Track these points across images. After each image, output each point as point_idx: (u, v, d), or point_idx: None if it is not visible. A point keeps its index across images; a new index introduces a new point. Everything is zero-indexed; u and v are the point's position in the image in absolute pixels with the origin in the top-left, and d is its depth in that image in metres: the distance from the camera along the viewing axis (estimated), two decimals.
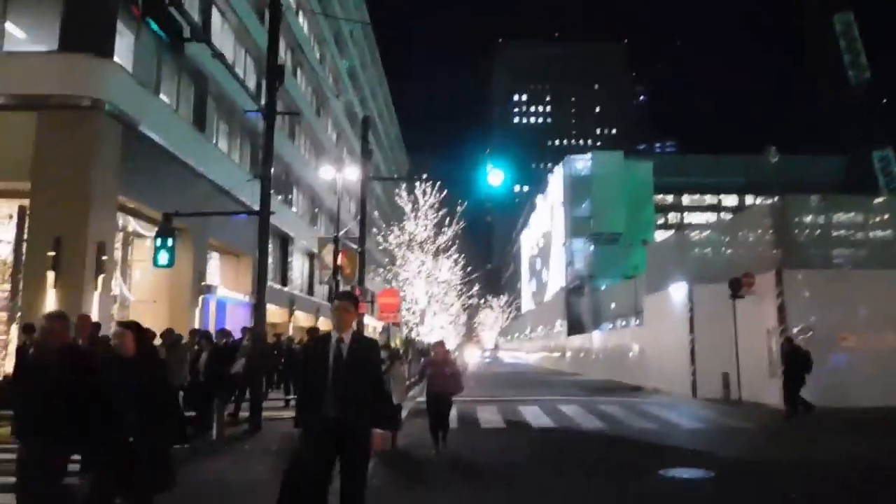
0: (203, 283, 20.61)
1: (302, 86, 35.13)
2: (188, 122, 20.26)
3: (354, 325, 4.89)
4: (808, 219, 16.28)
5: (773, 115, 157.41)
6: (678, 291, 19.49)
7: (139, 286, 18.88)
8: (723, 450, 9.85)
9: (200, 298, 20.60)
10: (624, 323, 35.16)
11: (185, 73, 19.98)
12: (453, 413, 14.16)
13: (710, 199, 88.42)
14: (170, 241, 11.10)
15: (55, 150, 14.29)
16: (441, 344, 9.20)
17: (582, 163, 46.34)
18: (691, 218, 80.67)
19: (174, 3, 7.39)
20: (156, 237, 11.48)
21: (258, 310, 10.85)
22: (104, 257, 14.58)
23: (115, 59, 15.50)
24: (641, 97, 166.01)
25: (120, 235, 18.05)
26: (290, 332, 30.85)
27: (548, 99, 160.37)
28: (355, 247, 17.54)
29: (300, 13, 34.61)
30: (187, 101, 20.35)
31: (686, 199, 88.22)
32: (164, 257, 11.28)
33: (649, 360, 22.52)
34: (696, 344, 18.29)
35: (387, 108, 71.07)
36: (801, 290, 15.22)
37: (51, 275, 13.97)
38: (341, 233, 15.83)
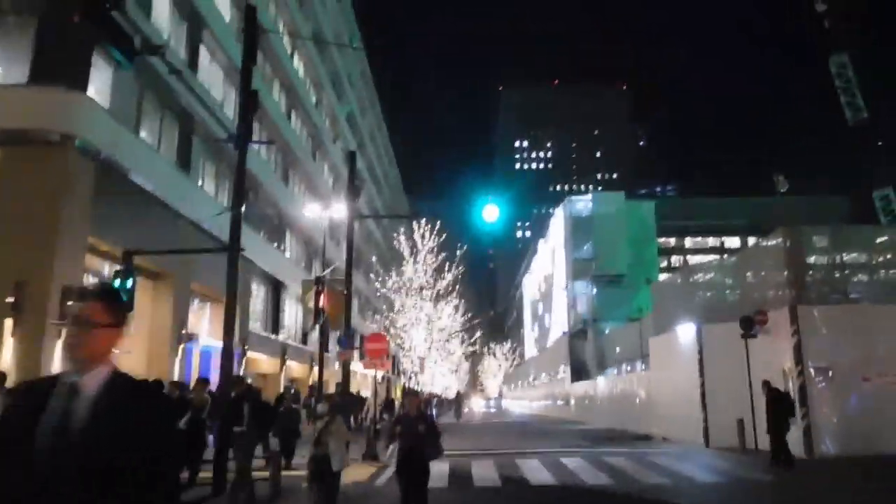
0: (184, 332, 19.54)
1: (297, 129, 34.75)
2: (171, 161, 19.58)
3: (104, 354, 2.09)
4: (822, 252, 15.30)
5: (777, 157, 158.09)
6: (686, 332, 18.37)
7: None
8: None
9: (181, 348, 19.50)
10: (629, 367, 33.82)
11: (169, 111, 19.40)
12: (443, 469, 12.97)
13: (713, 241, 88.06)
14: (129, 283, 10.13)
15: (21, 186, 13.48)
16: (413, 394, 7.61)
17: (583, 204, 45.62)
18: (694, 260, 79.54)
19: (116, 7, 6.64)
20: (114, 277, 10.51)
21: (225, 355, 9.81)
22: (70, 303, 13.58)
23: (90, 93, 14.87)
24: (641, 142, 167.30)
25: (90, 280, 17.14)
26: (282, 382, 29.62)
27: (549, 144, 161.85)
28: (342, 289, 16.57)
29: (295, 56, 34.51)
30: (170, 140, 19.70)
31: (689, 242, 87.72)
32: None
33: (657, 407, 21.22)
34: (707, 388, 17.09)
35: (386, 152, 71.07)
36: (818, 327, 14.15)
37: (9, 322, 12.96)
38: (327, 271, 14.85)
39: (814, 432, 13.48)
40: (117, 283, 9.95)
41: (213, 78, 23.08)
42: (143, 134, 17.86)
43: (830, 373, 13.53)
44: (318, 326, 13.93)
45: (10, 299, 12.90)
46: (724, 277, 18.41)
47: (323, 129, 39.58)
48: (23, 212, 13.39)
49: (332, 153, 41.82)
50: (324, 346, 15.54)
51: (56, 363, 13.28)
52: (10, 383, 11.23)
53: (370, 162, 58.89)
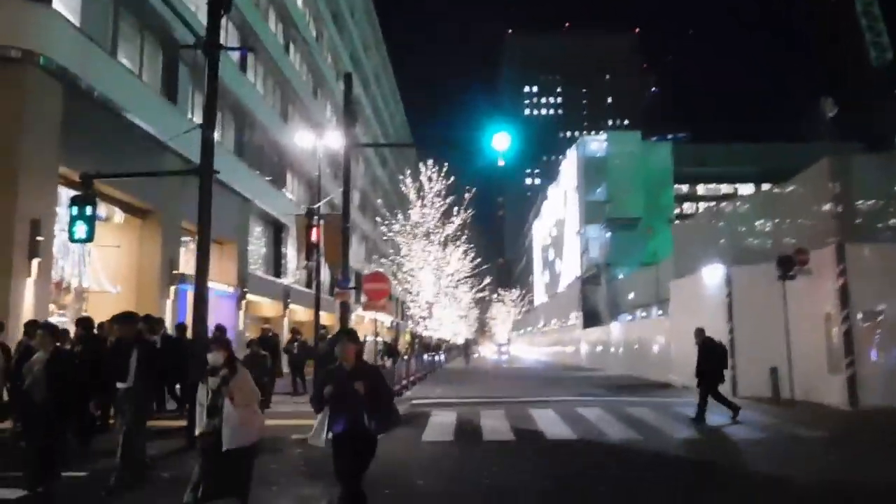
0: (175, 272, 18.34)
1: (296, 63, 32.85)
2: (155, 90, 18.00)
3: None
4: (872, 184, 13.69)
5: (786, 103, 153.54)
6: (712, 275, 17.00)
7: (98, 275, 16.64)
8: (805, 472, 7.45)
9: (173, 289, 18.34)
10: (644, 314, 32.69)
11: (150, 33, 17.71)
12: (448, 419, 11.88)
13: (725, 188, 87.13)
14: (88, 210, 8.83)
15: None
16: (351, 336, 4.92)
17: (597, 144, 43.56)
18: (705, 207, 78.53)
19: None
20: (71, 204, 9.19)
21: (197, 295, 8.55)
22: (39, 238, 12.32)
23: (57, 7, 13.25)
24: (653, 88, 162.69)
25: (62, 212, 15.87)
26: (285, 327, 28.69)
27: (559, 90, 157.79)
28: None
29: None
30: (153, 66, 18.07)
31: (701, 189, 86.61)
32: (81, 229, 9.00)
33: (677, 354, 20.01)
34: (736, 334, 15.81)
35: (392, 94, 68.66)
36: (868, 267, 12.71)
37: None
38: (321, 203, 13.37)
39: (860, 382, 12.23)
40: (75, 210, 8.62)
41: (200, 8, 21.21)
42: (121, 58, 16.24)
43: (881, 318, 12.18)
44: (309, 264, 12.59)
45: None
46: (756, 215, 16.87)
47: (324, 66, 37.57)
48: None
49: (336, 92, 39.85)
50: (316, 285, 14.28)
51: (27, 300, 12.15)
52: None
53: (375, 104, 56.78)
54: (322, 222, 12.85)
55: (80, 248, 15.78)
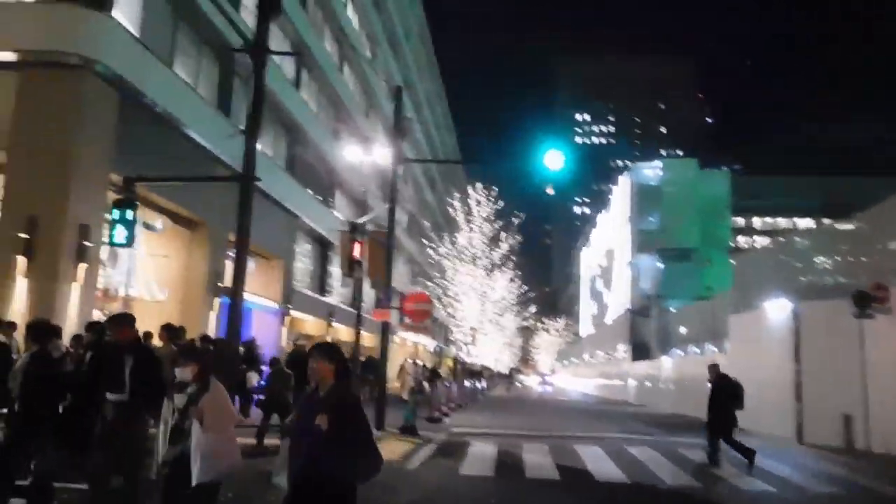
0: (220, 284, 18.27)
1: (350, 83, 33.11)
2: (210, 102, 18.15)
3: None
4: None
5: (847, 138, 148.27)
6: (777, 310, 15.90)
7: (146, 283, 16.65)
8: None
9: (217, 301, 18.27)
10: (697, 349, 31.24)
11: (207, 47, 17.90)
12: (489, 452, 11.20)
13: (784, 222, 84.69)
14: (129, 214, 8.65)
15: (35, 114, 12.23)
16: (324, 351, 3.59)
17: (651, 171, 42.41)
18: (763, 242, 76.12)
19: None
20: (113, 207, 9.04)
21: (233, 306, 8.21)
22: (88, 243, 12.30)
23: (116, 16, 13.43)
24: (708, 118, 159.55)
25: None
26: None
27: (611, 118, 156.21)
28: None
29: (349, 6, 32.72)
30: (209, 79, 18.26)
31: (757, 222, 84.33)
32: (121, 233, 8.85)
33: None
34: (804, 376, 14.66)
35: (444, 117, 68.89)
36: None
37: (21, 260, 11.79)
38: (366, 217, 13.00)
39: None
40: (116, 213, 8.44)
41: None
42: (177, 69, 16.42)
43: None
44: (356, 274, 12.15)
45: (24, 236, 11.73)
46: (827, 248, 15.75)
47: (377, 87, 37.79)
48: (38, 142, 12.15)
49: (388, 115, 40.03)
50: (357, 303, 13.89)
51: (72, 306, 12.10)
52: (22, 327, 10.06)
53: (427, 127, 56.96)
54: (366, 238, 12.46)
55: (128, 257, 15.87)
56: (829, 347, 13.95)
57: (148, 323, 15.07)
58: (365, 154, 14.77)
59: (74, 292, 12.25)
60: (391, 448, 10.57)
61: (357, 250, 11.67)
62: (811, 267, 15.79)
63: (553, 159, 13.03)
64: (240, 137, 19.49)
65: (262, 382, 13.03)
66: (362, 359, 20.39)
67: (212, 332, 17.06)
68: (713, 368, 11.14)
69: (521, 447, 11.88)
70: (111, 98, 13.19)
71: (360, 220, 12.64)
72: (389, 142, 14.26)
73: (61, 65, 12.39)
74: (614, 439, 13.92)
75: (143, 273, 16.50)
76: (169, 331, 8.43)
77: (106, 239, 13.99)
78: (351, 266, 11.67)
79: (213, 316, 18.00)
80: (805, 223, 78.96)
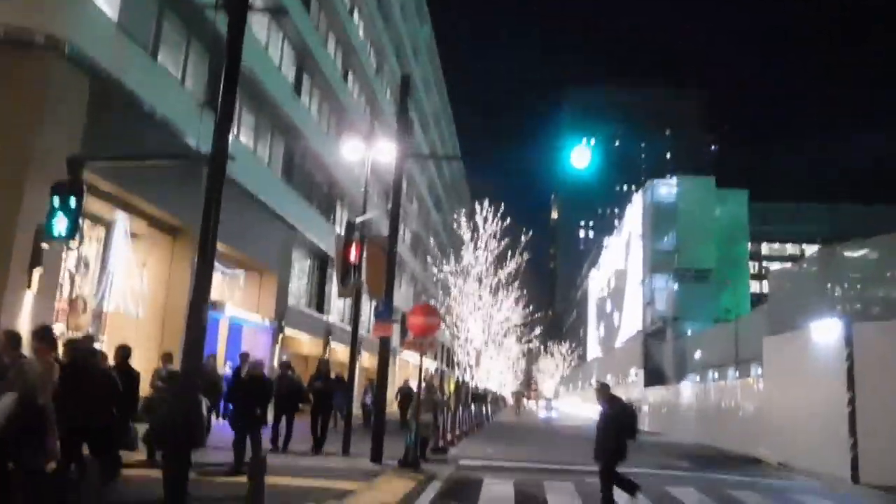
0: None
1: (354, 93, 31.83)
2: (196, 98, 16.73)
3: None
4: None
5: (854, 168, 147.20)
6: (824, 331, 14.21)
7: (121, 295, 15.08)
8: None
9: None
10: (716, 374, 29.47)
11: (196, 40, 16.54)
12: (506, 492, 9.53)
13: (791, 248, 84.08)
14: (73, 201, 7.11)
15: None
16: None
17: (666, 189, 40.82)
18: (772, 268, 75.63)
19: None
20: (52, 192, 7.50)
21: (193, 310, 6.64)
22: (45, 245, 10.73)
23: None
24: (713, 146, 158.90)
25: (101, 230, 14.46)
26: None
27: (616, 144, 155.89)
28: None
29: (355, 13, 31.59)
30: (198, 75, 16.86)
31: (765, 249, 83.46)
32: (61, 224, 7.29)
33: (771, 423, 17.06)
34: (859, 405, 12.92)
35: (450, 136, 67.83)
36: None
37: None
38: (362, 218, 11.29)
39: None
40: (55, 200, 6.90)
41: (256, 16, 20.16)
42: (162, 60, 15.03)
43: None
44: (353, 282, 10.54)
45: None
46: (886, 263, 14.12)
47: (383, 99, 36.56)
48: None
49: (393, 123, 38.77)
50: (354, 318, 12.27)
51: (22, 320, 10.50)
52: None
53: (433, 144, 55.76)
54: (365, 243, 10.88)
55: (99, 265, 14.34)
56: (889, 373, 12.29)
57: (126, 337, 13.53)
58: (368, 158, 13.28)
59: (28, 301, 10.68)
60: (388, 488, 8.88)
61: (353, 254, 10.09)
62: (866, 283, 14.13)
63: (579, 156, 11.45)
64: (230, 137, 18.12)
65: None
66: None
67: None
68: (603, 391, 9.21)
69: (542, 486, 10.19)
70: (81, 85, 11.76)
71: (359, 219, 11.04)
72: (394, 137, 12.75)
73: (24, 43, 10.98)
74: (648, 476, 12.14)
75: (119, 284, 14.94)
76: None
77: (73, 244, 12.52)
78: (346, 271, 10.07)
79: None
80: (812, 250, 77.90)
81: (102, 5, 12.56)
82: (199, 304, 6.60)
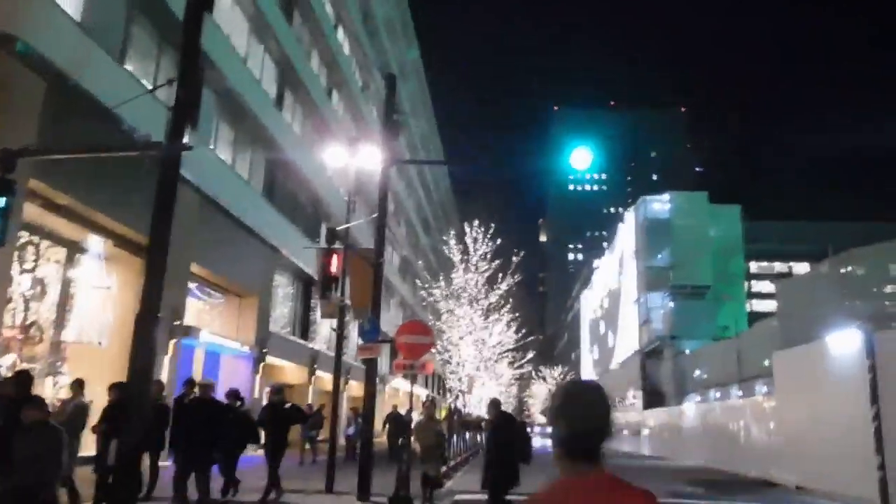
0: (178, 323, 15.51)
1: (339, 111, 31.04)
2: (166, 104, 15.76)
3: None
4: None
5: (843, 186, 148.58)
6: (843, 342, 13.29)
7: (80, 322, 13.89)
8: None
9: (173, 343, 15.46)
10: (718, 393, 28.50)
11: (168, 46, 15.63)
12: None
13: (779, 266, 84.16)
14: (2, 201, 6.10)
15: None
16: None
17: (659, 205, 40.21)
18: (760, 287, 75.07)
19: None
20: None
21: (139, 331, 5.60)
22: None
23: None
24: (698, 167, 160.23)
25: (61, 250, 13.35)
26: (311, 395, 25.49)
27: (603, 167, 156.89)
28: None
29: (340, 30, 30.95)
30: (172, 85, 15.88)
31: (753, 267, 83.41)
32: None
33: (785, 444, 16.03)
34: (885, 421, 11.94)
35: (437, 157, 67.24)
36: None
37: None
38: (345, 227, 10.28)
39: None
40: None
41: (235, 25, 19.38)
42: (130, 66, 14.09)
43: None
44: (335, 296, 9.44)
45: None
46: None
47: (369, 117, 35.81)
48: None
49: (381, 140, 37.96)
50: (338, 342, 11.14)
51: None
52: None
53: (421, 168, 55.07)
54: (350, 253, 9.86)
55: (59, 289, 13.20)
56: None
57: (87, 369, 12.35)
58: (352, 165, 12.38)
59: None
60: None
61: (336, 264, 9.06)
62: (890, 289, 13.26)
63: (580, 158, 10.62)
64: (206, 151, 17.23)
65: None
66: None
67: (165, 378, 14.25)
68: (494, 406, 8.24)
69: None
70: (36, 88, 10.80)
71: (340, 228, 10.04)
72: (381, 143, 11.83)
73: None
74: None
75: (80, 310, 13.78)
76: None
77: (28, 265, 11.46)
78: (327, 284, 9.02)
79: (166, 360, 15.16)
80: (802, 268, 77.78)
81: (65, 5, 11.65)
82: (147, 321, 5.54)
